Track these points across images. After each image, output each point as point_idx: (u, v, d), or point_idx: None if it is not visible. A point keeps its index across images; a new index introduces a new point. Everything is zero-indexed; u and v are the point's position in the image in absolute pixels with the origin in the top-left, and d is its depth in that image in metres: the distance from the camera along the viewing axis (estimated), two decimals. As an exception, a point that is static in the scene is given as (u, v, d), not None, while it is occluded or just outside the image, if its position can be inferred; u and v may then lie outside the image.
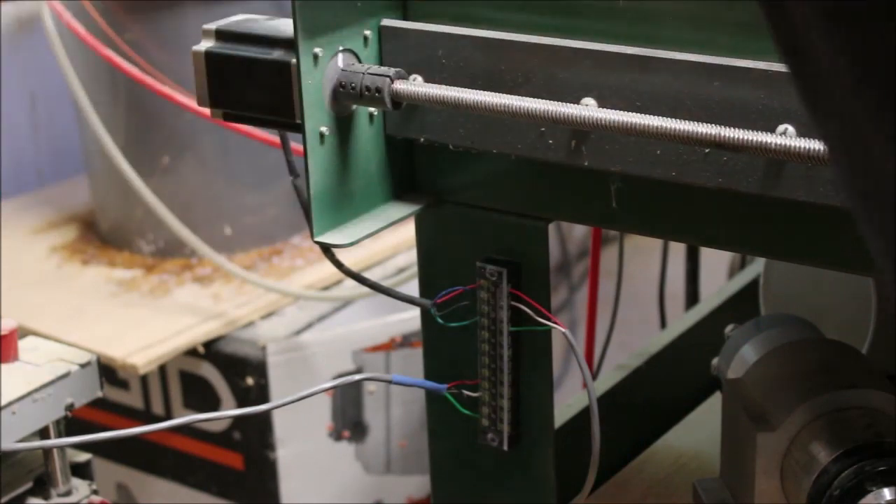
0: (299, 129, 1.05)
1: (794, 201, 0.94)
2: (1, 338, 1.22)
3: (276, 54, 1.06)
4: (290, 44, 1.04)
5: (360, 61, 1.08)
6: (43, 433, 1.22)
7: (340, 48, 1.06)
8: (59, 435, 1.23)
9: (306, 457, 1.98)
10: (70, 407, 1.22)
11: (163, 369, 1.98)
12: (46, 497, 1.24)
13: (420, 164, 1.16)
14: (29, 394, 1.19)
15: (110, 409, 2.07)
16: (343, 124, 1.08)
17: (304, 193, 1.07)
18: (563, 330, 1.13)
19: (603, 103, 1.00)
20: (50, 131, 2.60)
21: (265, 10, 1.41)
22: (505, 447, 1.19)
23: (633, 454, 1.41)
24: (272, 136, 1.83)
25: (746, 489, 1.07)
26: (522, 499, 1.22)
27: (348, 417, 2.00)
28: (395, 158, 1.14)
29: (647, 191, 1.04)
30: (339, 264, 1.14)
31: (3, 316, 1.27)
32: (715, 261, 2.09)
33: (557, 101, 1.00)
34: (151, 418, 2.04)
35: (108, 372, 1.89)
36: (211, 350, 1.95)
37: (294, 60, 1.03)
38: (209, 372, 1.97)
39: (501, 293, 1.14)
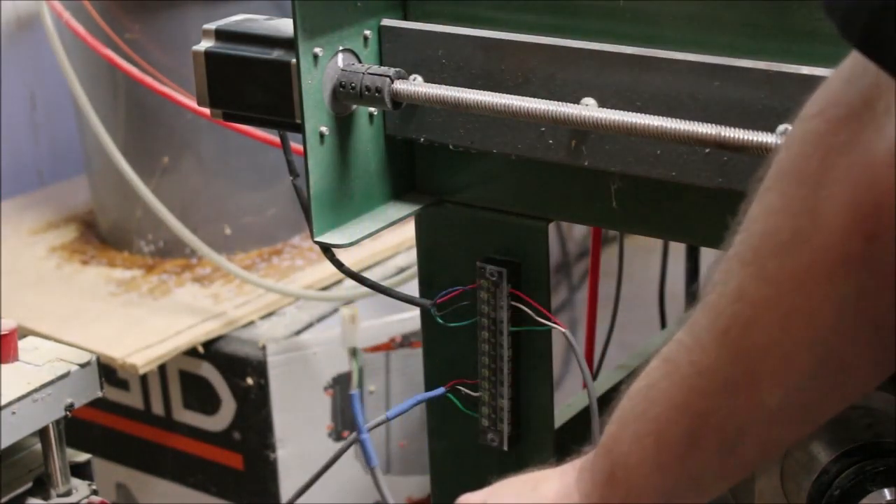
0: (299, 129, 1.05)
1: (794, 201, 0.94)
2: (1, 338, 1.22)
3: (276, 54, 1.06)
4: (290, 44, 1.04)
5: (360, 61, 1.08)
6: (43, 433, 1.22)
7: (340, 48, 1.06)
8: (59, 435, 1.23)
9: (306, 457, 1.98)
10: (70, 407, 1.22)
11: (162, 369, 1.98)
12: (46, 497, 1.24)
13: (420, 164, 1.16)
14: (29, 394, 1.19)
15: (110, 409, 2.07)
16: (343, 124, 1.08)
17: (304, 193, 1.07)
18: (563, 330, 1.13)
19: (603, 103, 1.00)
20: (50, 131, 2.60)
21: (265, 10, 1.41)
22: (505, 447, 1.18)
23: (633, 454, 1.41)
24: (272, 136, 1.83)
25: (746, 489, 1.06)
26: (522, 499, 1.21)
27: (348, 417, 2.00)
28: (395, 158, 1.14)
29: (647, 191, 1.04)
30: (339, 264, 1.14)
31: (3, 316, 1.27)
32: (715, 261, 2.09)
33: (557, 101, 1.00)
34: (151, 418, 2.04)
35: (108, 372, 1.89)
36: (211, 350, 1.95)
37: (294, 60, 1.03)
38: (209, 372, 1.96)
39: (501, 293, 1.14)
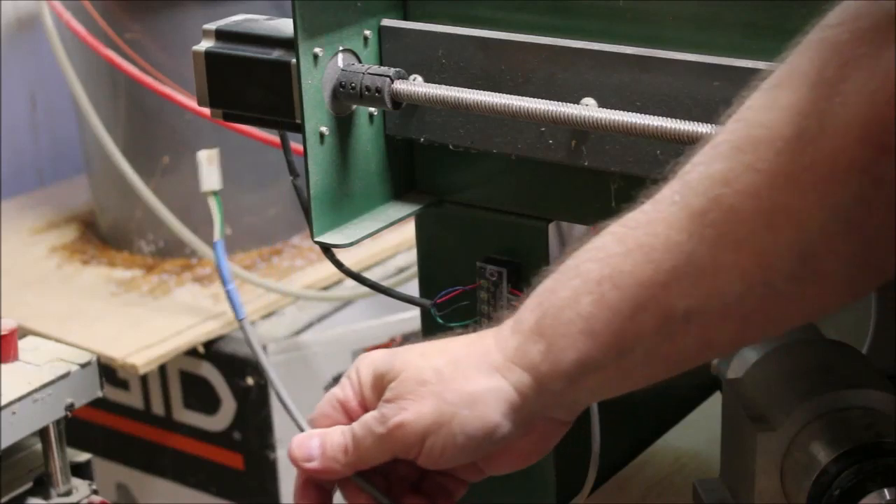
0: (299, 129, 1.05)
1: (794, 201, 0.94)
2: (1, 338, 1.22)
3: (276, 54, 1.06)
4: (290, 44, 1.04)
5: (360, 61, 1.08)
6: (43, 433, 1.22)
7: (340, 48, 1.06)
8: (60, 435, 1.23)
9: (306, 457, 1.98)
10: (70, 407, 1.22)
11: (163, 369, 1.98)
12: (46, 497, 1.24)
13: (420, 164, 1.16)
14: (29, 394, 1.19)
15: (110, 409, 2.07)
16: (343, 124, 1.08)
17: (304, 193, 1.07)
18: (563, 330, 1.12)
19: (603, 103, 1.00)
20: (50, 131, 2.60)
21: (265, 10, 1.41)
22: (505, 447, 1.18)
23: (633, 454, 1.41)
24: (272, 136, 1.83)
25: (746, 489, 1.06)
26: (522, 499, 1.21)
27: (348, 417, 2.00)
28: (395, 158, 1.14)
29: (647, 191, 1.04)
30: (339, 264, 1.14)
31: (3, 316, 1.27)
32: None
33: (557, 101, 1.00)
34: (151, 418, 2.04)
35: (108, 372, 1.89)
36: (211, 350, 1.95)
37: (294, 60, 1.03)
38: (209, 372, 1.97)
39: (501, 293, 1.14)
